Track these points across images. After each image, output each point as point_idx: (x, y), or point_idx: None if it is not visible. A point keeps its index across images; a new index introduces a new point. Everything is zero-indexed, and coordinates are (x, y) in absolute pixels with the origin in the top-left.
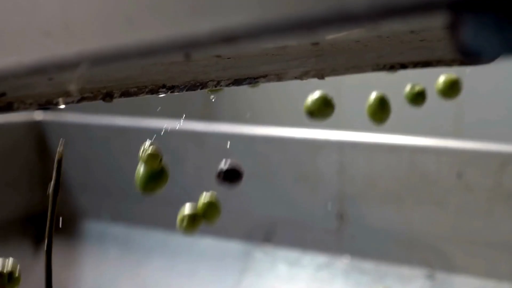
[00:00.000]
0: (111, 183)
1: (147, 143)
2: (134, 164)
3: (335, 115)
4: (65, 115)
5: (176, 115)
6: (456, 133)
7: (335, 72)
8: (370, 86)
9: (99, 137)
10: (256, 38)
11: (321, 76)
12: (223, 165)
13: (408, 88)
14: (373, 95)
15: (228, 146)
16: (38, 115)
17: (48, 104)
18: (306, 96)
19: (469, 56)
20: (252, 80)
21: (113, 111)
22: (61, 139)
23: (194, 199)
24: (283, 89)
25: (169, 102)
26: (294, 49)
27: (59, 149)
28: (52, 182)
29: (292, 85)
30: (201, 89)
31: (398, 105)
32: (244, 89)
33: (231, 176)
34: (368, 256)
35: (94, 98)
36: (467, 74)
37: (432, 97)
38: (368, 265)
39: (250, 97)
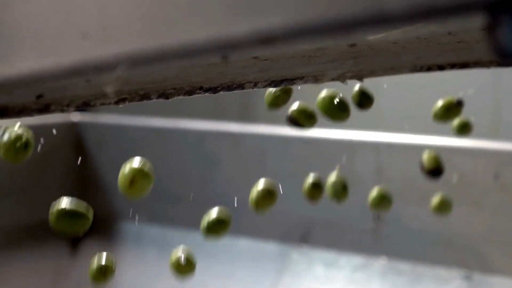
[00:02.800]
0: None
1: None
2: (170, 165)
3: (372, 115)
4: (101, 116)
5: (212, 116)
6: (493, 134)
7: (373, 73)
8: (407, 87)
9: (136, 138)
10: (294, 40)
11: (358, 78)
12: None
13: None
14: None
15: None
16: (75, 117)
17: (85, 106)
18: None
19: (507, 58)
20: (289, 81)
21: (149, 112)
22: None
23: (230, 200)
24: (319, 90)
25: (205, 103)
26: (332, 51)
27: None
28: None
29: (328, 86)
30: (239, 90)
31: (434, 105)
32: None
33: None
34: (404, 257)
35: (131, 99)
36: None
37: (469, 98)
38: (404, 266)
39: None
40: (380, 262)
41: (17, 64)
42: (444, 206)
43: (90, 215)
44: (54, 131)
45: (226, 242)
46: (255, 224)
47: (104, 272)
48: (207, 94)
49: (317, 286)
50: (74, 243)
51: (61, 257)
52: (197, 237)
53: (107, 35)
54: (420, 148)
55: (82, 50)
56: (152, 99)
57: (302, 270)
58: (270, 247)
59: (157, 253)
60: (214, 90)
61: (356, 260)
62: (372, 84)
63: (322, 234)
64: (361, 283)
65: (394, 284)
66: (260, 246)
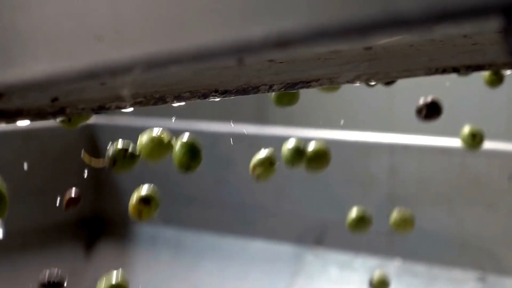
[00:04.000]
0: (162, 186)
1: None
2: None
3: (387, 117)
4: (117, 118)
5: (227, 118)
6: (507, 135)
7: (388, 76)
8: (422, 89)
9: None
10: (309, 43)
11: (373, 80)
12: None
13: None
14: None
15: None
16: (90, 119)
17: (100, 109)
18: (358, 99)
19: None
20: (305, 84)
21: (164, 114)
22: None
23: (245, 201)
24: (335, 92)
25: (221, 105)
26: (347, 53)
27: None
28: None
29: (343, 88)
30: (254, 93)
31: (449, 107)
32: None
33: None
34: (419, 259)
35: (146, 102)
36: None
37: (484, 100)
38: (419, 267)
39: (302, 100)
40: (395, 264)
41: (32, 67)
42: (405, 223)
43: None
44: (68, 134)
45: (240, 243)
46: (270, 226)
47: None
48: (222, 97)
49: None
50: (89, 245)
51: (76, 259)
52: (211, 239)
53: (121, 37)
54: (434, 150)
55: (96, 52)
56: (167, 102)
57: (316, 271)
58: (285, 249)
59: (172, 255)
60: (229, 93)
61: (371, 261)
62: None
63: (337, 236)
64: None
65: (409, 285)
66: (275, 248)
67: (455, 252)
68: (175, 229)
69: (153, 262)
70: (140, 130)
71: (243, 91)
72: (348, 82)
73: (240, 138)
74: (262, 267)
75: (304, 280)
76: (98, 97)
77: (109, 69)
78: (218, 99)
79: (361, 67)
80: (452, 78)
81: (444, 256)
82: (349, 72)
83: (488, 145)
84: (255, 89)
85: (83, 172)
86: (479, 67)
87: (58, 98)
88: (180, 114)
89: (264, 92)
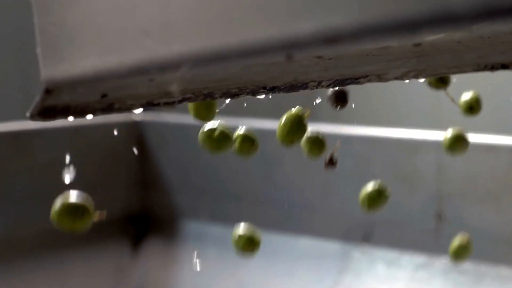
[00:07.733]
0: (209, 183)
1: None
2: (231, 164)
3: (434, 114)
4: (163, 115)
5: (274, 115)
6: None
7: (436, 72)
8: (468, 85)
9: (197, 137)
10: (358, 39)
11: (421, 77)
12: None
13: None
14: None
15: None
16: (137, 116)
17: (148, 105)
18: (406, 96)
19: None
20: (354, 80)
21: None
22: None
23: (292, 199)
24: (382, 89)
25: (267, 102)
26: (396, 50)
27: None
28: None
29: (390, 85)
30: (303, 89)
31: (497, 104)
32: None
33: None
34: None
35: (195, 98)
36: None
37: None
38: (467, 265)
39: (349, 97)
40: (442, 261)
41: (80, 63)
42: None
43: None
44: (116, 131)
45: (287, 241)
46: (316, 223)
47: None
48: (270, 94)
49: (379, 285)
50: (136, 242)
51: (122, 256)
52: None
53: (169, 33)
54: (481, 147)
55: (144, 48)
56: (216, 98)
57: (363, 269)
58: (331, 246)
59: (218, 252)
60: (278, 89)
61: (418, 259)
62: None
63: (384, 233)
64: (423, 282)
65: (456, 283)
66: (322, 245)
67: (503, 250)
68: (222, 226)
69: (199, 259)
70: (188, 127)
71: (292, 87)
72: (396, 78)
73: None
74: (309, 264)
75: (351, 277)
76: (147, 93)
77: (158, 65)
78: (265, 96)
79: (409, 64)
80: (501, 76)
81: (491, 253)
82: (397, 69)
83: None
84: (304, 86)
85: (130, 169)
86: None
87: (106, 94)
88: (227, 111)
89: (313, 89)
